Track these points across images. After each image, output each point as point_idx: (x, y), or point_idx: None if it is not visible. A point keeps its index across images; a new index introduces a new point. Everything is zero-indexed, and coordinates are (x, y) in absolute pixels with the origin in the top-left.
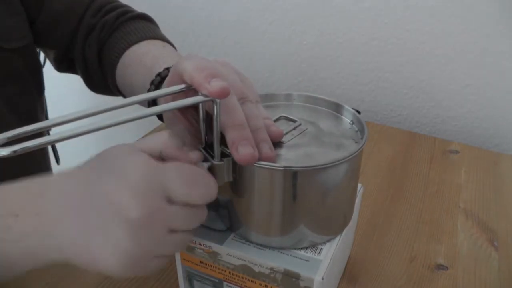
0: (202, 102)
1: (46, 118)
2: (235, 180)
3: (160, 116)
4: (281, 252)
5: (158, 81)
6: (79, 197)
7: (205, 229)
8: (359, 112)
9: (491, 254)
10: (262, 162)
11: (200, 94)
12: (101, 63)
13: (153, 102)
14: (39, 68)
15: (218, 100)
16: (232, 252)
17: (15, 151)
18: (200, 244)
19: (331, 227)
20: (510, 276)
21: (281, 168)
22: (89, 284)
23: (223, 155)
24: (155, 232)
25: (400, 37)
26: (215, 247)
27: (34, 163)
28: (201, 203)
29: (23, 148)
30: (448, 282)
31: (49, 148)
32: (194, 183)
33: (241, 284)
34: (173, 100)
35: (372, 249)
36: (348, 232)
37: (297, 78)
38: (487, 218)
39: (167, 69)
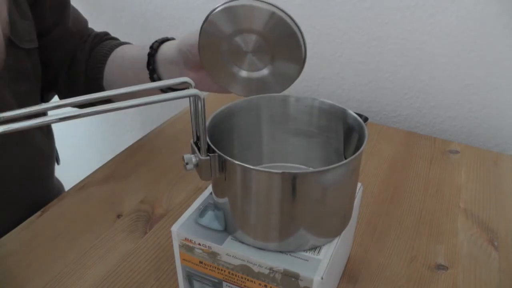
0: (186, 97)
1: None
2: (226, 180)
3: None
4: (281, 252)
5: (157, 45)
6: None
7: (204, 229)
8: (366, 119)
9: (491, 254)
10: (252, 167)
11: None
12: (87, 73)
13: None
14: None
15: (202, 97)
16: (232, 252)
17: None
18: (199, 244)
19: (330, 229)
20: (510, 276)
21: (279, 172)
22: (89, 284)
23: (211, 151)
24: None
25: (400, 37)
26: (215, 247)
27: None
28: None
29: (14, 128)
30: (448, 282)
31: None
32: None
33: (241, 284)
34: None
35: (372, 249)
36: (348, 232)
37: None
38: (487, 218)
39: (156, 41)
